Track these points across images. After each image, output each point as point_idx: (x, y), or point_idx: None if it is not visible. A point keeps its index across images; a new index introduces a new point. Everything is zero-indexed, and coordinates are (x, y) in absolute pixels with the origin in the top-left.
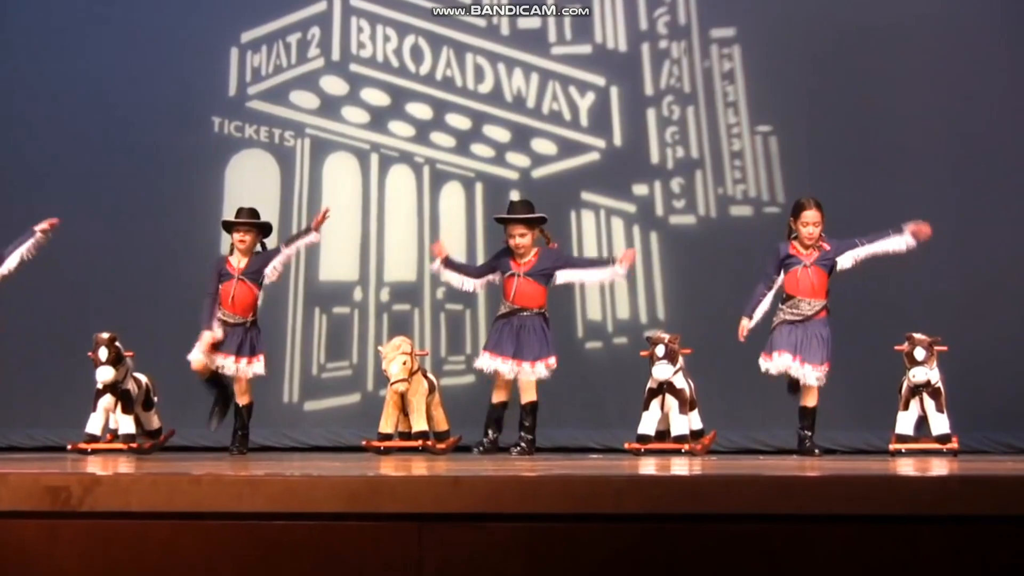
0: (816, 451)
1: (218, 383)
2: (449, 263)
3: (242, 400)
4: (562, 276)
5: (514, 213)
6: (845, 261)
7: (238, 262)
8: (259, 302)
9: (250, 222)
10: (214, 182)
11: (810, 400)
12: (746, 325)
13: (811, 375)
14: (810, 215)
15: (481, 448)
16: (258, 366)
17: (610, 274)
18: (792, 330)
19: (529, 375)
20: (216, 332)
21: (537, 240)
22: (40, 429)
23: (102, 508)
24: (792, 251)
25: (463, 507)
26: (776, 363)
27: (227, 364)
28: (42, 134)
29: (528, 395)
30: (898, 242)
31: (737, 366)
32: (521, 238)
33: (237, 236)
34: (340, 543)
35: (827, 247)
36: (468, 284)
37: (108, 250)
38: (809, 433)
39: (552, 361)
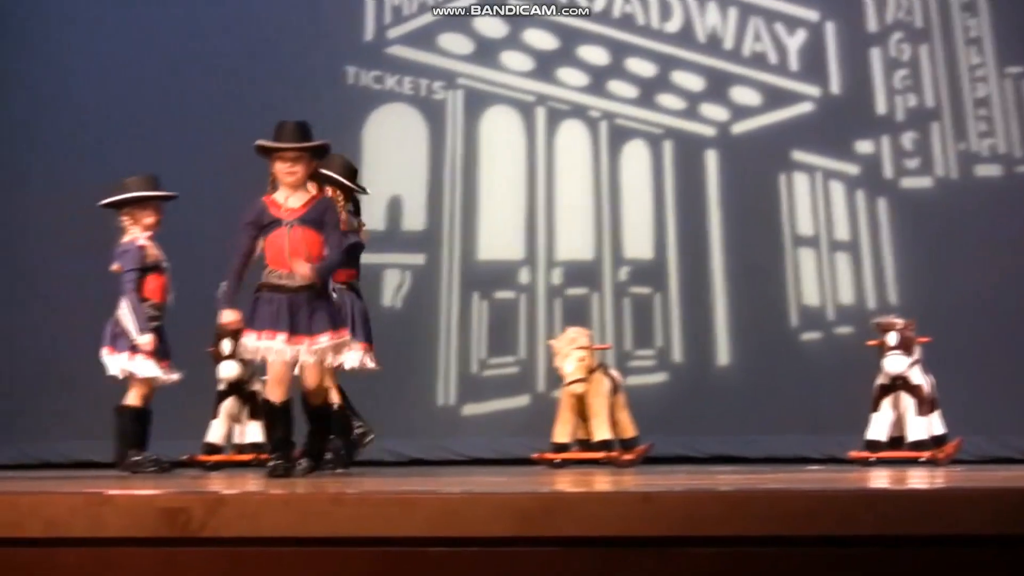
0: None
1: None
2: None
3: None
4: None
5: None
6: None
7: (285, 200)
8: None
9: (299, 146)
10: (350, 145)
11: None
12: None
13: None
14: None
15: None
16: (326, 342)
17: None
18: None
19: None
20: (229, 316)
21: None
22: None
23: (227, 533)
24: None
25: (655, 529)
26: None
27: (275, 347)
28: (140, 92)
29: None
30: None
31: (987, 358)
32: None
33: (283, 167)
34: (509, 573)
35: None
36: None
37: (213, 237)
38: None
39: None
